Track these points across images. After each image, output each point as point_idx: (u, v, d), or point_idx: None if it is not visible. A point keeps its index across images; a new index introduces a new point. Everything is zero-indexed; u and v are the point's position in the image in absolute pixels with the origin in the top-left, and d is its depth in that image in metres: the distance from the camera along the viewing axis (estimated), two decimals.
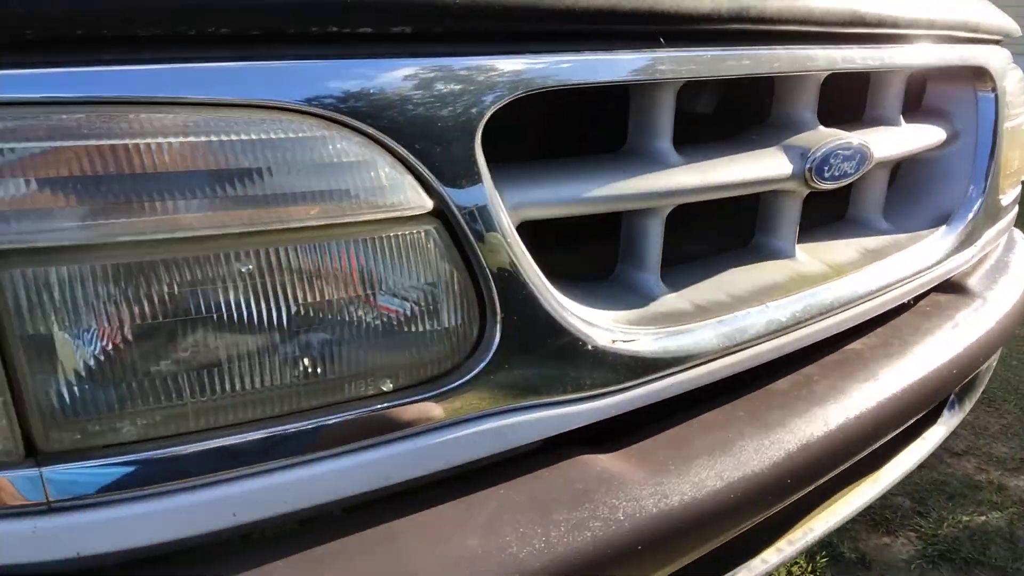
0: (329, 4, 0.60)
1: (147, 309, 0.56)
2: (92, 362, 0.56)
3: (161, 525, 0.60)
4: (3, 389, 0.54)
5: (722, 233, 1.16)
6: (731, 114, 1.45)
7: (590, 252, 1.03)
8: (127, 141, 0.55)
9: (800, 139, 0.97)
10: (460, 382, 0.70)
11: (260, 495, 0.63)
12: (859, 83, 1.23)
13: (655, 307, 0.89)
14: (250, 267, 0.58)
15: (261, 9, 0.58)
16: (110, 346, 0.56)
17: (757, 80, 0.96)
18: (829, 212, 1.30)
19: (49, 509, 0.57)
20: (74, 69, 0.55)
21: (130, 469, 0.59)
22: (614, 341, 0.79)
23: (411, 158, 0.64)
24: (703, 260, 1.03)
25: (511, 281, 0.70)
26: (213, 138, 0.57)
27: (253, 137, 0.58)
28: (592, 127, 1.28)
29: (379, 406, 0.66)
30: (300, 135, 0.60)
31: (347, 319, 0.63)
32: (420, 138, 0.64)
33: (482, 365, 0.70)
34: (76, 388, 0.56)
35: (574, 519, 0.72)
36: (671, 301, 0.90)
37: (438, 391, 0.69)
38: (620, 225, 0.95)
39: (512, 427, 0.74)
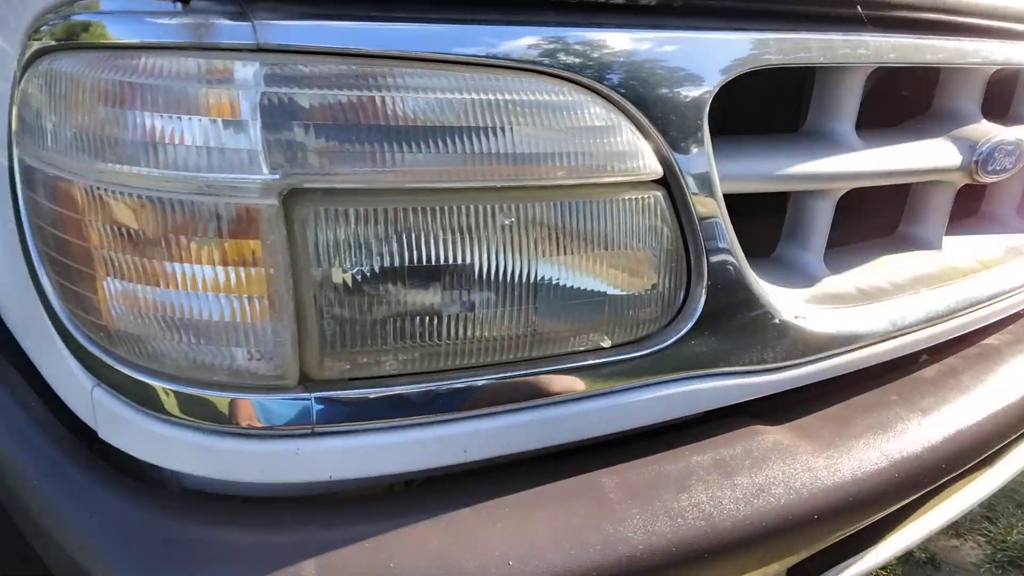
0: None
1: (418, 253, 0.60)
2: (367, 299, 0.59)
3: (405, 456, 0.64)
4: (291, 320, 0.58)
5: (862, 220, 1.17)
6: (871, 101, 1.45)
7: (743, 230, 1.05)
8: (412, 95, 0.58)
9: (967, 131, 0.98)
10: (665, 344, 0.73)
11: (488, 436, 0.67)
12: (1004, 77, 1.23)
13: (822, 288, 0.91)
14: (510, 220, 0.62)
15: None
16: (384, 285, 0.60)
17: (924, 71, 0.97)
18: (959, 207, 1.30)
19: (312, 433, 0.61)
20: (368, 24, 0.58)
21: (385, 402, 0.63)
22: (796, 317, 0.82)
23: (650, 126, 0.66)
24: (855, 246, 1.05)
25: (718, 250, 0.73)
26: (485, 96, 0.60)
27: (520, 97, 0.61)
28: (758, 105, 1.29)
29: (596, 361, 0.70)
30: (559, 98, 0.62)
31: (581, 274, 0.66)
32: (659, 107, 0.67)
33: (686, 329, 0.73)
34: (351, 322, 0.60)
35: (757, 484, 0.75)
36: (837, 283, 0.92)
37: (646, 351, 0.72)
38: (779, 204, 0.97)
39: (703, 392, 0.77)
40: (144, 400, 0.62)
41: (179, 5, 0.57)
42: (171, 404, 0.61)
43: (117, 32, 0.58)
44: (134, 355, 0.61)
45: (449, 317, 0.62)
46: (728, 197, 0.81)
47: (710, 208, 0.71)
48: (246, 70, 0.55)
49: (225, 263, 0.57)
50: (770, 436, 0.82)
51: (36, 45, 0.62)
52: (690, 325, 0.74)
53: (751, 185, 0.81)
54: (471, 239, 0.61)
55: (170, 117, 0.56)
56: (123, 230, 0.57)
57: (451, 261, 0.61)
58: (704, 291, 0.73)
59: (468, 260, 0.61)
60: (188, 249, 0.57)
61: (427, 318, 0.62)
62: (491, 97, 0.60)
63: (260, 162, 0.55)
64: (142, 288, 0.58)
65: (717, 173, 0.73)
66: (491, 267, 0.62)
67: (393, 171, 0.58)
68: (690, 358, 0.75)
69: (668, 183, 0.69)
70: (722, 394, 0.78)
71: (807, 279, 0.93)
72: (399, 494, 0.69)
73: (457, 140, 0.59)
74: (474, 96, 0.60)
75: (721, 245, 0.73)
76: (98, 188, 0.57)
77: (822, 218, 0.92)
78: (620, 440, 0.77)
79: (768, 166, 0.81)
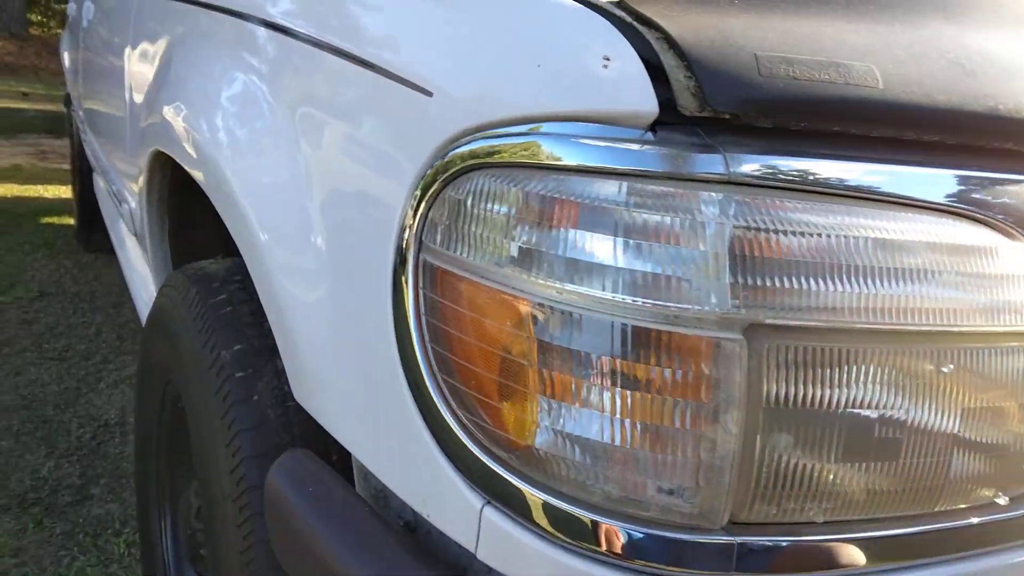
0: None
1: (863, 396, 0.57)
2: (814, 442, 0.56)
3: None
4: (735, 459, 0.55)
5: None
6: None
7: None
8: (872, 234, 0.56)
9: None
10: None
11: None
12: None
13: None
14: (950, 367, 0.59)
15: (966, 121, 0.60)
16: (820, 427, 0.57)
17: None
18: None
19: None
20: (833, 162, 0.57)
21: (803, 552, 0.59)
22: None
23: None
24: None
25: None
26: (936, 240, 0.58)
27: (953, 242, 0.59)
28: None
29: (986, 517, 0.65)
30: (983, 244, 0.60)
31: (992, 424, 0.63)
32: None
33: None
34: (792, 465, 0.56)
35: None
36: None
37: None
38: None
39: None
40: (555, 527, 0.58)
41: (651, 134, 0.56)
42: (588, 535, 0.58)
43: (573, 157, 0.57)
44: (553, 480, 0.58)
45: (877, 467, 0.59)
46: None
47: None
48: (717, 201, 0.54)
49: (676, 394, 0.54)
50: None
51: (460, 159, 0.62)
52: None
53: None
54: (910, 386, 0.58)
55: (631, 242, 0.54)
56: (570, 349, 0.56)
57: (891, 408, 0.58)
58: None
59: (904, 408, 0.58)
60: (639, 377, 0.54)
61: (857, 466, 0.58)
62: (930, 240, 0.58)
63: (726, 295, 0.53)
64: (578, 410, 0.56)
65: None
66: (922, 416, 0.59)
67: (846, 309, 0.55)
68: None
69: None
70: None
71: None
72: None
73: (910, 283, 0.57)
74: (926, 239, 0.58)
75: None
76: (546, 305, 0.56)
77: None
78: None
79: None
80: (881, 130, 0.60)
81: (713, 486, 0.56)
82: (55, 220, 4.62)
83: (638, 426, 0.55)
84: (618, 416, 0.55)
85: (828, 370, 0.56)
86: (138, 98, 1.67)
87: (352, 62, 0.78)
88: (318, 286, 0.80)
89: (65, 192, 5.03)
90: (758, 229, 0.55)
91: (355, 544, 0.69)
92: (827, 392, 0.56)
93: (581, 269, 0.55)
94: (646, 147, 0.56)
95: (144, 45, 1.69)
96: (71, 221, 4.30)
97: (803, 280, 0.55)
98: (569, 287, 0.55)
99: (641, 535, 0.57)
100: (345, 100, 0.81)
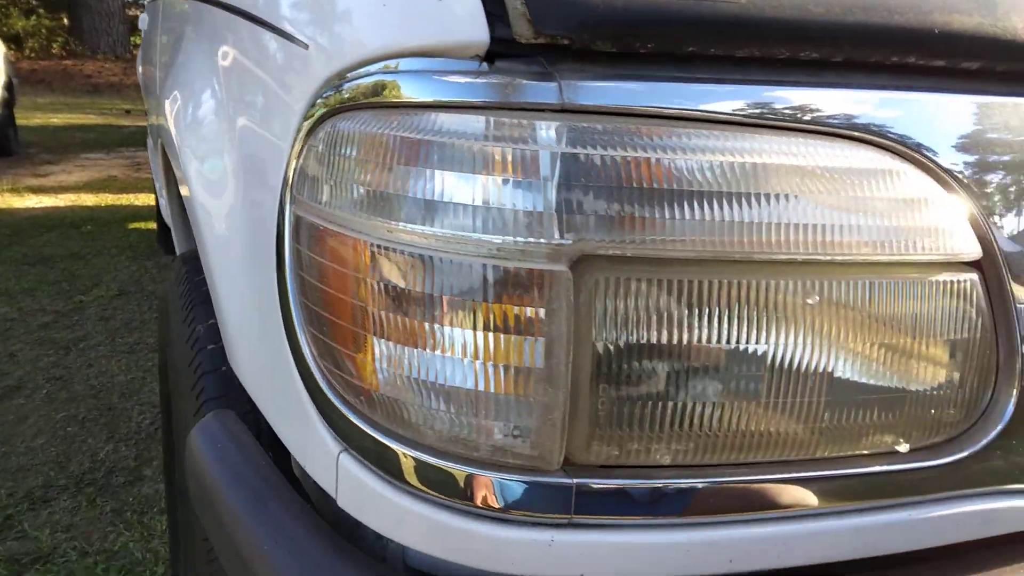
0: (922, 34, 0.56)
1: (708, 331, 0.53)
2: (647, 378, 0.53)
3: (663, 560, 0.56)
4: (565, 395, 0.53)
5: None
6: None
7: None
8: (715, 158, 0.53)
9: None
10: (965, 453, 0.62)
11: (759, 545, 0.58)
12: None
13: None
14: (814, 299, 0.54)
15: (849, 34, 0.55)
16: (667, 364, 0.53)
17: None
18: None
19: (569, 524, 0.55)
20: (671, 85, 0.54)
21: (650, 496, 0.56)
22: None
23: (970, 201, 0.57)
24: None
25: None
26: (792, 162, 0.54)
27: (830, 164, 0.54)
28: None
29: (887, 468, 0.60)
30: (873, 166, 0.55)
31: (880, 365, 0.57)
32: (980, 181, 0.58)
33: (990, 437, 0.62)
34: (628, 402, 0.54)
35: None
36: None
37: (943, 460, 0.61)
38: None
39: (1001, 512, 0.65)
40: (395, 471, 0.58)
41: (485, 65, 0.54)
42: (424, 478, 0.56)
43: (413, 91, 0.56)
44: (391, 421, 0.58)
45: (731, 406, 0.55)
46: None
47: None
48: (550, 129, 0.52)
49: (503, 331, 0.52)
50: None
51: (325, 104, 0.61)
52: (995, 432, 0.62)
53: None
54: (766, 319, 0.54)
55: (462, 176, 0.53)
56: (402, 290, 0.55)
57: (741, 342, 0.54)
58: (1015, 393, 0.62)
59: (760, 342, 0.54)
60: (465, 313, 0.53)
61: (708, 405, 0.54)
62: (799, 163, 0.54)
63: (553, 226, 0.51)
64: (413, 351, 0.55)
65: None
66: (785, 352, 0.55)
67: (690, 240, 0.52)
68: (990, 471, 0.63)
69: (983, 267, 0.60)
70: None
71: None
72: None
73: (759, 208, 0.53)
74: (780, 161, 0.53)
75: None
76: (382, 246, 0.55)
77: None
78: (897, 560, 0.65)
79: None
80: (746, 49, 0.56)
81: (546, 425, 0.54)
82: (141, 226, 4.91)
83: (470, 365, 0.54)
84: (449, 355, 0.54)
85: (668, 303, 0.53)
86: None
87: (253, 22, 0.80)
88: (232, 245, 0.81)
89: (153, 200, 5.35)
90: (590, 158, 0.52)
91: (250, 499, 0.70)
92: (666, 327, 0.53)
93: (411, 206, 0.54)
94: (480, 79, 0.55)
95: (164, 48, 1.78)
96: (155, 226, 4.57)
97: (637, 208, 0.52)
98: (400, 226, 0.54)
99: (477, 476, 0.55)
100: (252, 61, 0.82)
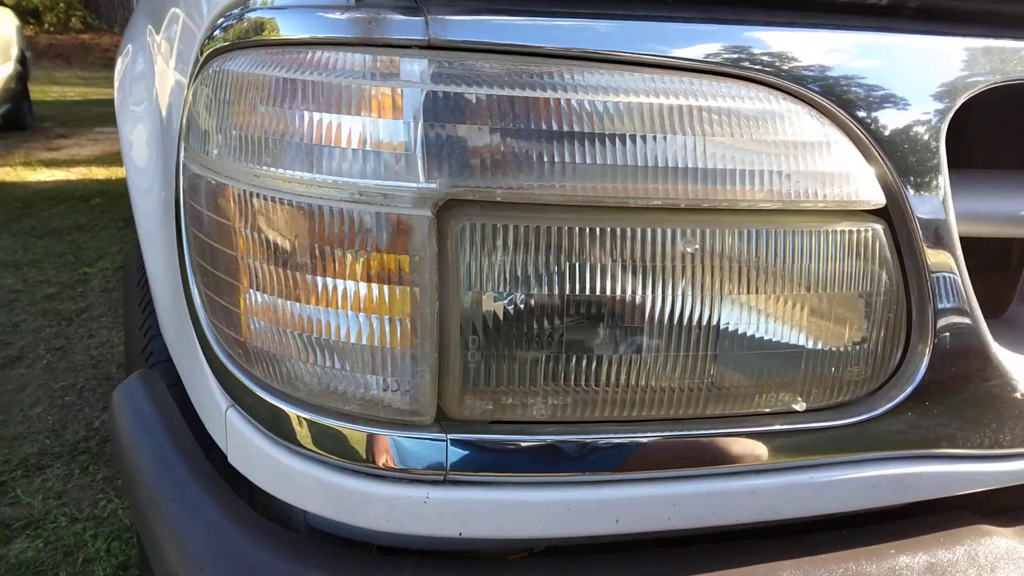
0: None
1: (583, 282, 0.51)
2: (520, 330, 0.51)
3: (547, 519, 0.55)
4: (433, 348, 0.51)
5: None
6: None
7: None
8: (592, 97, 0.50)
9: None
10: (873, 414, 0.59)
11: (646, 506, 0.56)
12: None
13: None
14: (694, 248, 0.52)
15: None
16: (540, 316, 0.51)
17: None
18: None
19: (444, 480, 0.54)
20: (548, 20, 0.51)
21: (529, 453, 0.54)
22: None
23: (873, 146, 0.54)
24: None
25: (951, 303, 0.59)
26: (674, 101, 0.51)
27: (715, 104, 0.51)
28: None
29: (785, 427, 0.57)
30: (762, 106, 0.52)
31: (773, 319, 0.55)
32: (886, 124, 0.54)
33: (900, 398, 0.59)
34: (500, 355, 0.52)
35: None
36: None
37: (848, 420, 0.59)
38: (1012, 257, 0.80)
39: (916, 477, 0.62)
40: (273, 426, 0.56)
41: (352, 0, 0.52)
42: (299, 432, 0.55)
43: (286, 28, 0.54)
44: (269, 376, 0.56)
45: (611, 359, 0.53)
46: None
47: (942, 250, 0.58)
48: (414, 66, 0.49)
49: (369, 279, 0.51)
50: (1000, 540, 0.65)
51: (209, 47, 0.59)
52: (906, 393, 0.60)
53: (992, 228, 0.66)
54: (646, 268, 0.52)
55: (327, 117, 0.51)
56: (269, 239, 0.53)
57: (620, 293, 0.52)
58: (928, 352, 0.59)
59: (640, 293, 0.52)
60: (331, 262, 0.51)
61: (586, 358, 0.52)
62: (681, 103, 0.51)
63: (417, 168, 0.49)
64: (282, 302, 0.53)
65: (954, 209, 0.59)
66: (666, 303, 0.52)
67: (564, 185, 0.50)
68: (903, 434, 0.61)
69: (891, 216, 0.57)
70: (941, 482, 0.63)
71: None
72: (538, 560, 0.60)
73: (638, 151, 0.50)
74: (661, 101, 0.51)
75: (953, 297, 0.59)
76: (250, 193, 0.53)
77: None
78: (804, 528, 0.63)
79: (1017, 206, 0.66)
80: None
81: (416, 379, 0.52)
82: None
83: (336, 316, 0.52)
84: (315, 306, 0.52)
85: (540, 251, 0.50)
86: None
87: None
88: (151, 203, 0.80)
89: None
90: (458, 97, 0.49)
91: (155, 457, 0.69)
92: (539, 276, 0.51)
93: (273, 150, 0.52)
94: (348, 14, 0.52)
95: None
96: None
97: (506, 150, 0.49)
98: (264, 170, 0.53)
99: (350, 431, 0.54)
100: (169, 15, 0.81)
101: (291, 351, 0.54)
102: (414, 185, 0.49)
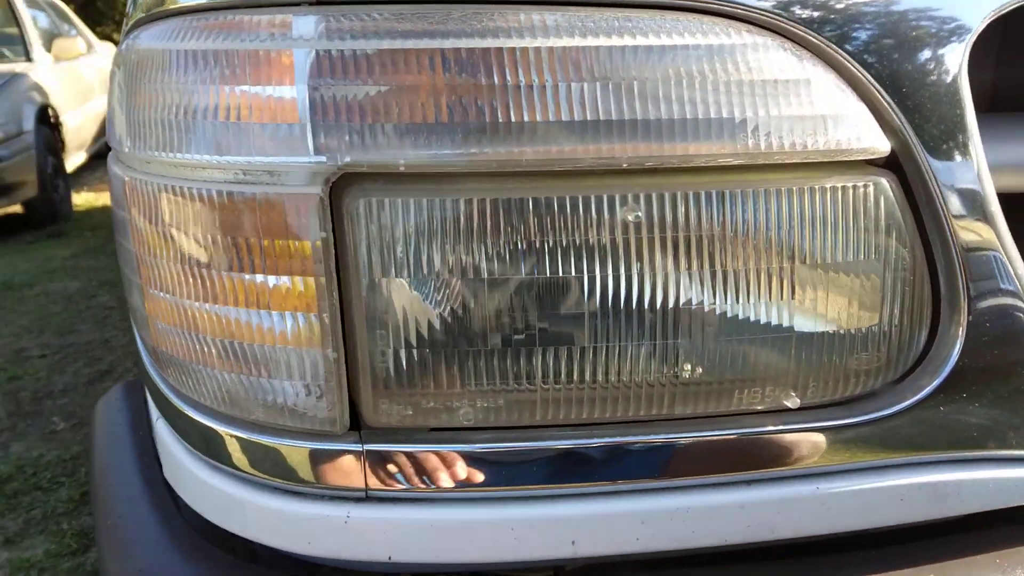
0: None
1: (508, 262, 0.43)
2: (438, 321, 0.44)
3: (488, 541, 0.47)
4: (337, 345, 0.44)
5: None
6: None
7: None
8: (509, 42, 0.42)
9: None
10: (895, 409, 0.48)
11: (606, 525, 0.47)
12: None
13: None
14: (637, 215, 0.43)
15: None
16: (460, 304, 0.44)
17: None
18: None
19: (365, 498, 0.47)
20: None
21: (460, 463, 0.46)
22: None
23: (869, 81, 0.44)
24: None
25: (989, 272, 0.47)
26: (606, 41, 0.42)
27: (660, 42, 0.42)
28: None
29: (778, 427, 0.48)
30: (722, 40, 0.43)
31: (747, 297, 0.45)
32: (882, 54, 0.44)
33: (929, 389, 0.48)
34: (414, 352, 0.44)
35: None
36: None
37: (861, 418, 0.48)
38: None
39: (955, 487, 0.51)
40: (191, 439, 0.51)
41: None
42: (213, 446, 0.50)
43: None
44: (179, 383, 0.51)
45: (547, 352, 0.44)
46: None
47: (972, 207, 0.46)
48: (303, 24, 0.43)
49: (261, 270, 0.44)
50: None
51: (133, 19, 0.55)
52: (937, 382, 0.48)
53: None
54: (582, 244, 0.43)
55: (209, 90, 0.45)
56: (158, 231, 0.48)
57: (553, 273, 0.43)
58: (962, 332, 0.48)
59: (578, 273, 0.43)
60: (218, 253, 0.45)
61: (516, 352, 0.44)
62: (615, 42, 0.42)
63: (305, 140, 0.42)
64: (176, 300, 0.48)
65: (984, 156, 0.47)
66: (610, 284, 0.44)
67: (479, 150, 0.42)
68: (937, 433, 0.50)
69: (901, 167, 0.46)
70: (990, 492, 0.51)
71: None
72: None
73: (565, 104, 0.42)
74: (591, 42, 0.42)
75: (991, 264, 0.47)
76: (138, 181, 0.48)
77: None
78: (825, 547, 0.53)
79: None
80: None
81: (324, 381, 0.45)
82: None
83: (227, 313, 0.46)
84: (203, 303, 0.46)
85: (454, 228, 0.43)
86: None
87: None
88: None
89: None
90: (353, 57, 0.42)
91: (116, 466, 0.66)
92: (453, 257, 0.43)
93: (153, 130, 0.47)
94: None
95: None
96: None
97: (409, 113, 0.42)
98: (146, 155, 0.47)
99: (259, 443, 0.48)
100: None
101: (193, 354, 0.48)
102: (302, 160, 0.43)
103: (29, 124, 4.30)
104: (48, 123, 4.59)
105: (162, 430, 0.55)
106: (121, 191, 0.51)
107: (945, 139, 0.45)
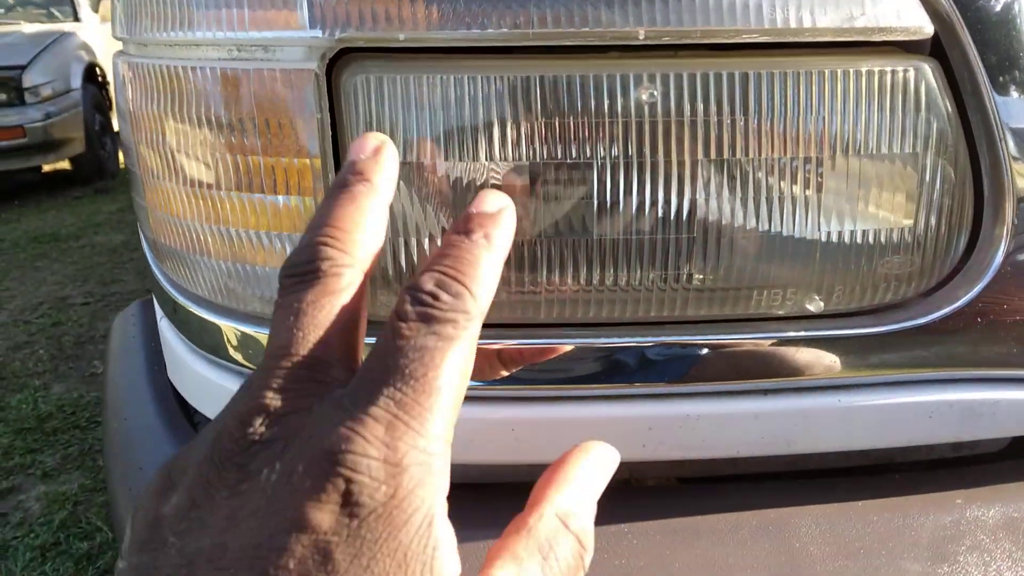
0: None
1: (511, 146, 0.41)
2: (437, 207, 0.42)
3: (485, 441, 0.45)
4: None
5: None
6: None
7: None
8: None
9: None
10: (929, 318, 0.45)
11: (612, 428, 0.45)
12: None
13: None
14: (652, 93, 0.40)
15: None
16: (461, 191, 0.42)
17: None
18: None
19: None
20: None
21: None
22: None
23: None
24: None
25: None
26: None
27: None
28: None
29: (792, 334, 0.45)
30: None
31: (770, 190, 0.42)
32: None
33: (967, 298, 0.45)
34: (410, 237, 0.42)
35: None
36: None
37: (892, 327, 0.45)
38: None
39: (991, 406, 0.47)
40: (185, 330, 0.50)
41: None
42: (205, 337, 0.49)
43: None
44: (174, 272, 0.50)
45: (555, 242, 0.42)
46: None
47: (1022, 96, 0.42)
48: None
49: (257, 153, 0.43)
50: None
51: None
52: (975, 291, 0.45)
53: None
54: (592, 125, 0.40)
55: None
56: (155, 114, 0.46)
57: (558, 156, 0.41)
58: (1006, 236, 0.44)
59: (586, 156, 0.41)
60: (213, 133, 0.43)
61: (522, 242, 0.42)
62: None
63: (302, 11, 0.40)
64: (173, 186, 0.46)
65: None
66: (620, 171, 0.41)
67: (492, 17, 0.39)
68: (973, 347, 0.46)
69: (945, 53, 0.42)
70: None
71: None
72: None
73: None
74: None
75: None
76: (138, 64, 0.47)
77: None
78: (849, 470, 0.50)
79: None
80: None
81: None
82: None
83: (221, 199, 0.44)
84: (200, 189, 0.45)
85: (461, 108, 0.41)
86: None
87: None
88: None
89: None
90: None
91: (125, 374, 0.66)
92: (461, 139, 0.41)
93: (144, 11, 0.45)
94: None
95: None
96: None
97: None
98: (142, 36, 0.46)
99: (253, 336, 0.46)
100: None
101: (189, 243, 0.47)
102: (296, 34, 0.40)
103: (77, 82, 4.37)
104: (95, 81, 4.66)
105: (165, 330, 0.54)
106: (120, 79, 0.50)
107: (996, 25, 0.41)
